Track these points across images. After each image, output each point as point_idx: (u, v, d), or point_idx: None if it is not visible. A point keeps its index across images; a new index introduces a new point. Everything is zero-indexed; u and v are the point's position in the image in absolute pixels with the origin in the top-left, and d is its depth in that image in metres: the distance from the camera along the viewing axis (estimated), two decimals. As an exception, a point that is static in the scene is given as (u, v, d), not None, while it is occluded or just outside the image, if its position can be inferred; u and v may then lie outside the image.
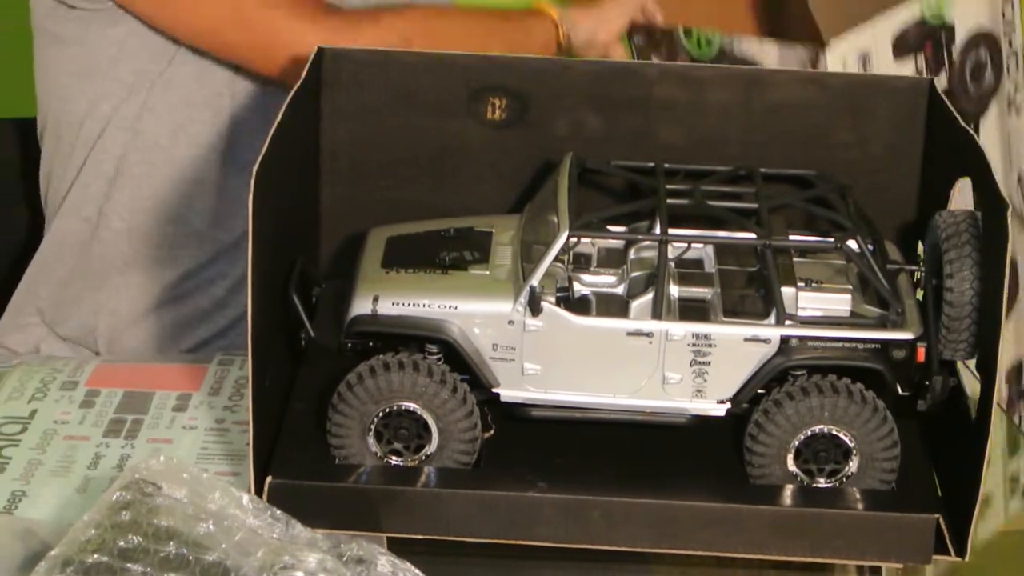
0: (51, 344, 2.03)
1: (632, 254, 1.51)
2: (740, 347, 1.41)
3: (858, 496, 1.42)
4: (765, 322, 1.41)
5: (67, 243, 2.00)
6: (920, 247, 1.56)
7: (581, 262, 1.51)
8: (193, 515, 1.29)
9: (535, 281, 1.41)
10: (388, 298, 1.44)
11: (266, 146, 1.37)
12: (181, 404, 1.64)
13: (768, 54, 1.96)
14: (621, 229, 1.53)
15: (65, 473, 1.52)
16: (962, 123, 1.46)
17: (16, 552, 1.38)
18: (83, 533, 1.27)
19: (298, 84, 1.49)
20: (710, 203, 1.50)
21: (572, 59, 1.61)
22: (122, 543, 1.26)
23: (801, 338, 1.41)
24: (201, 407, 1.63)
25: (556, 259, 1.42)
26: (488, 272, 1.46)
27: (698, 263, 1.51)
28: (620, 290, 1.48)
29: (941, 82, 2.01)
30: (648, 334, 1.41)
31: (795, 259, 1.49)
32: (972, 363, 1.45)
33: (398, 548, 1.35)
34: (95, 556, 1.25)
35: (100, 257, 1.99)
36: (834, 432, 1.41)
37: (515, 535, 1.42)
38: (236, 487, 1.35)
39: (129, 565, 1.25)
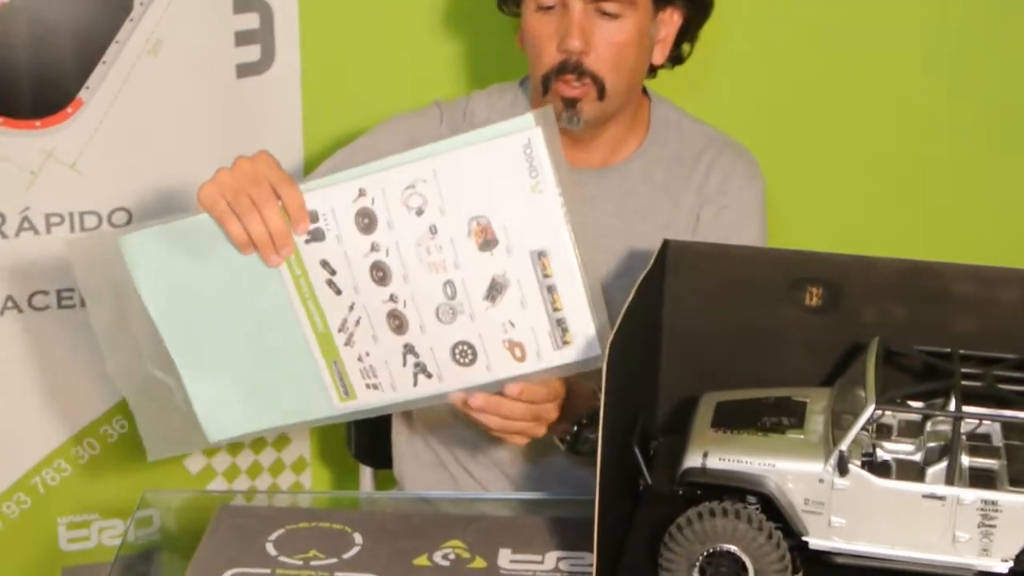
0: None
1: (929, 427, 1.49)
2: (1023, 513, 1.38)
3: None
4: (1047, 492, 1.38)
5: None
6: None
7: (884, 431, 1.50)
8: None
9: (844, 446, 1.40)
10: (716, 454, 1.45)
11: (619, 321, 1.40)
12: None
13: None
14: (920, 405, 1.52)
15: None
16: None
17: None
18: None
19: (646, 270, 1.52)
20: (1000, 386, 1.48)
21: (880, 257, 1.60)
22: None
23: (1079, 508, 1.36)
24: None
25: (863, 428, 1.41)
26: (803, 436, 1.46)
27: (987, 437, 1.48)
28: (917, 457, 1.47)
29: None
30: (941, 498, 1.39)
31: (1077, 438, 1.44)
32: None
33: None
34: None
35: None
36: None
37: (819, 669, 1.39)
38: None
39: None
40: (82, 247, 1.65)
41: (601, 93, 1.88)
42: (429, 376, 1.60)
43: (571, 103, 1.88)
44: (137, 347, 1.65)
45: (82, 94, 2.22)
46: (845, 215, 2.56)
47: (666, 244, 1.62)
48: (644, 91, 2.03)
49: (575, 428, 1.74)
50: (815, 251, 1.61)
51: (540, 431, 1.67)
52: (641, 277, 1.50)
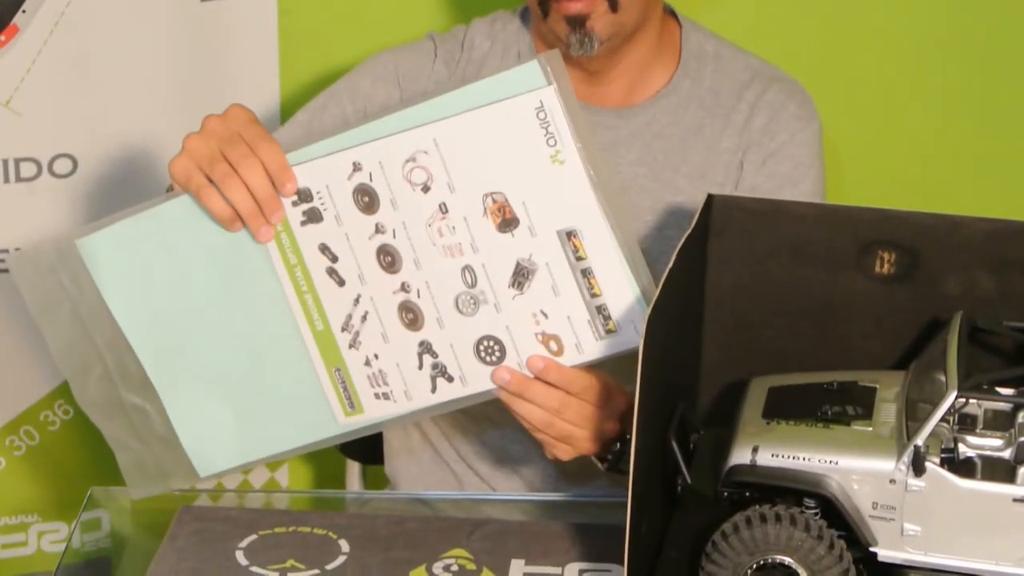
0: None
1: (1021, 418, 1.49)
2: None
3: None
4: None
5: None
6: None
7: (967, 423, 1.49)
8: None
9: (920, 440, 1.40)
10: (768, 449, 1.45)
11: (658, 291, 1.40)
12: None
13: None
14: (1010, 392, 1.51)
15: None
16: None
17: None
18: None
19: (688, 231, 1.52)
20: (1106, 370, 1.48)
21: (966, 216, 1.59)
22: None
23: None
24: None
25: (942, 419, 1.41)
26: (871, 428, 1.46)
27: (1090, 430, 1.48)
28: (1007, 454, 1.46)
29: None
30: (1036, 502, 1.39)
31: None
32: None
33: None
34: None
35: None
36: None
37: None
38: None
39: None
40: (29, 258, 1.66)
41: (612, 1, 1.87)
42: (450, 380, 1.61)
43: (578, 22, 1.87)
44: (107, 370, 1.67)
45: (18, 19, 2.22)
46: (922, 165, 2.54)
47: (710, 200, 1.62)
48: (673, 15, 2.03)
49: (617, 445, 1.72)
50: (888, 208, 1.61)
51: (588, 443, 1.66)
52: (682, 240, 1.50)
